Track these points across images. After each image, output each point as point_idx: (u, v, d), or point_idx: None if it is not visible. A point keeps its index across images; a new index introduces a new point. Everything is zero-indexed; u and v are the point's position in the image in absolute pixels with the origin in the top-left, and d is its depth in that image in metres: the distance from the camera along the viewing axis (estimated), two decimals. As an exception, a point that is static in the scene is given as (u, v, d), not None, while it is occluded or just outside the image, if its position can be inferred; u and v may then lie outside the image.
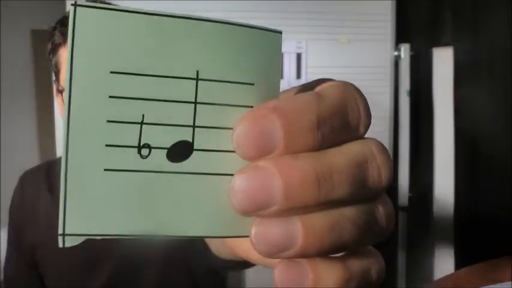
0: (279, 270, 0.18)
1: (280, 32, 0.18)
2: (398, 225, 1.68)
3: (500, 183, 1.50)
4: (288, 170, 0.16)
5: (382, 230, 0.19)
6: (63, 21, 0.74)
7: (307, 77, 1.53)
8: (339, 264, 0.18)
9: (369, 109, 0.20)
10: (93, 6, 0.16)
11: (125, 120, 0.17)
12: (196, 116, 0.17)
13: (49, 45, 0.76)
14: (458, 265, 1.64)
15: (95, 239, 0.17)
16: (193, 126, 0.17)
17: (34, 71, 1.80)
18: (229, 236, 0.18)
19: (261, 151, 0.16)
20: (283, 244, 0.17)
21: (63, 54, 0.73)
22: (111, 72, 0.16)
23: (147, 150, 0.17)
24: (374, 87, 1.60)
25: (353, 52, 1.56)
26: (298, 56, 1.53)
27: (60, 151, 1.40)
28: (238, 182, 0.16)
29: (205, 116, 0.17)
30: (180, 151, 0.17)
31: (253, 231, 0.17)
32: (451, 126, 1.64)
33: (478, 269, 0.96)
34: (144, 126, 0.17)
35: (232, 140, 0.17)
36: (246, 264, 0.41)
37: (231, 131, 0.17)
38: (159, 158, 0.17)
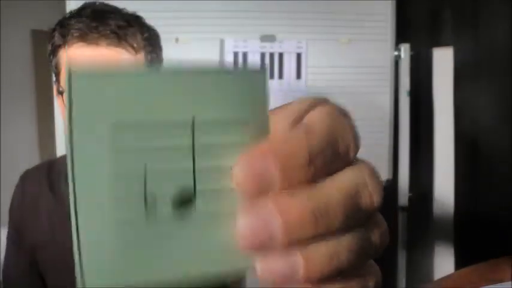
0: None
1: (265, 70, 0.20)
2: (398, 225, 1.68)
3: (500, 183, 1.49)
4: (286, 208, 0.18)
5: (376, 249, 0.20)
6: (62, 23, 0.73)
7: (307, 77, 1.53)
8: (340, 284, 0.20)
9: (357, 134, 0.21)
10: (88, 70, 0.17)
11: (130, 174, 0.17)
12: (196, 159, 0.18)
13: (49, 47, 0.76)
14: (458, 265, 1.64)
15: None
16: (194, 170, 0.18)
17: (34, 71, 1.80)
18: (236, 271, 0.19)
19: (259, 190, 0.18)
20: (286, 276, 0.18)
21: (63, 55, 0.73)
22: (112, 127, 0.17)
23: (153, 200, 0.18)
24: (374, 87, 1.60)
25: (353, 52, 1.56)
26: (298, 56, 1.53)
27: (60, 151, 1.40)
28: (243, 222, 0.18)
29: (204, 158, 0.18)
30: (183, 200, 0.18)
31: (259, 266, 0.19)
32: (451, 126, 1.64)
33: (478, 269, 0.96)
34: (148, 177, 0.18)
35: (233, 181, 0.18)
36: None
37: (229, 169, 0.18)
38: (165, 206, 0.18)
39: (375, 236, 0.20)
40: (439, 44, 1.70)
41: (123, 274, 0.17)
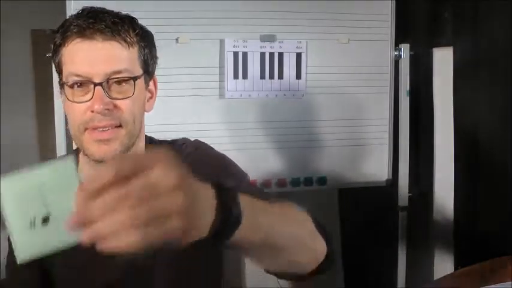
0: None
1: (72, 161, 0.42)
2: (399, 225, 1.68)
3: (500, 183, 1.49)
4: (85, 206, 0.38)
5: (166, 194, 0.37)
6: (63, 24, 0.78)
7: (307, 77, 1.53)
8: (137, 230, 0.36)
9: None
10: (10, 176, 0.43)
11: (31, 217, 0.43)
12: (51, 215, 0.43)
13: (52, 47, 0.79)
14: (458, 265, 1.64)
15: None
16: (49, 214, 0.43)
17: (34, 71, 1.80)
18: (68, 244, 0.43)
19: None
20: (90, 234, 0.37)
21: (64, 52, 0.77)
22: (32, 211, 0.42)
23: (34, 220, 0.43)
24: (374, 87, 1.60)
25: (353, 52, 1.56)
26: (298, 56, 1.53)
27: (60, 151, 1.40)
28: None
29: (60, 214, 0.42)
30: (46, 219, 0.42)
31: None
32: (451, 126, 1.64)
33: (478, 269, 0.96)
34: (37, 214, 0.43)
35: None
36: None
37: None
38: (38, 223, 0.43)
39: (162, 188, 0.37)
40: (439, 44, 1.70)
41: (33, 248, 0.42)
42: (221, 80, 1.47)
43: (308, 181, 1.58)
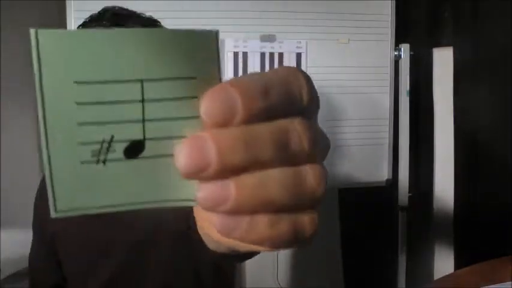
0: (219, 218, 0.21)
1: (216, 31, 0.22)
2: (398, 225, 1.68)
3: (500, 183, 1.50)
4: (220, 136, 0.20)
5: (312, 190, 0.22)
6: (83, 26, 0.77)
7: (307, 77, 1.53)
8: (273, 215, 0.21)
9: (312, 85, 0.23)
10: (52, 30, 0.20)
11: (90, 122, 0.21)
12: (145, 112, 0.21)
13: None
14: (458, 265, 1.64)
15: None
16: (143, 121, 0.21)
17: (34, 71, 1.80)
18: (181, 201, 0.23)
19: (224, 117, 0.20)
20: (220, 198, 0.20)
21: None
22: (75, 82, 0.20)
23: (110, 145, 0.21)
24: (374, 87, 1.60)
25: (353, 52, 1.56)
26: (298, 56, 1.53)
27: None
28: (181, 148, 0.20)
29: (153, 111, 0.21)
30: (133, 150, 0.22)
31: (196, 189, 0.21)
32: (451, 126, 1.64)
33: (478, 269, 0.96)
34: (106, 125, 0.21)
35: (201, 111, 0.20)
36: (243, 256, 0.47)
37: (179, 120, 0.22)
38: (118, 152, 0.22)
39: (310, 178, 0.22)
40: (439, 44, 1.70)
41: (85, 202, 0.22)
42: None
43: (308, 181, 1.57)
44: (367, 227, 1.77)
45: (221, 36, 1.30)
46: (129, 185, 0.22)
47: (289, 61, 1.52)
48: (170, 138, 0.22)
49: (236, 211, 0.20)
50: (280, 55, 1.51)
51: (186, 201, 0.23)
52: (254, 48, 1.49)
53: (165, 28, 0.22)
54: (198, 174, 0.20)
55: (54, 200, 0.21)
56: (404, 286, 1.68)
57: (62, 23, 1.33)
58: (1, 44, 1.71)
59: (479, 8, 1.53)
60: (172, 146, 0.22)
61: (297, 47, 1.52)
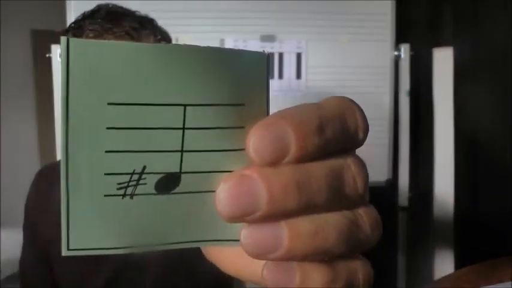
0: (268, 268, 0.19)
1: (267, 54, 0.19)
2: (398, 225, 1.68)
3: (500, 183, 1.49)
4: (271, 177, 0.17)
5: (367, 237, 0.20)
6: (76, 24, 0.74)
7: (307, 77, 1.53)
8: (325, 266, 0.19)
9: (366, 118, 0.21)
10: (85, 40, 0.17)
11: (121, 149, 0.18)
12: (185, 141, 0.18)
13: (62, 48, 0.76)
14: (458, 265, 1.64)
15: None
16: (182, 151, 0.18)
17: (34, 71, 1.80)
18: (221, 241, 0.20)
19: (277, 154, 0.18)
20: (270, 246, 0.18)
21: None
22: (108, 103, 0.17)
23: (140, 177, 0.18)
24: (374, 87, 1.60)
25: (353, 52, 1.56)
26: (298, 56, 1.53)
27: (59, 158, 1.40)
28: (224, 189, 0.18)
29: (194, 140, 0.18)
30: (167, 184, 0.19)
31: (242, 233, 0.18)
32: (451, 126, 1.64)
33: (478, 269, 0.96)
34: (138, 154, 0.18)
35: (249, 147, 0.18)
36: None
37: (221, 152, 0.19)
38: (150, 185, 0.18)
39: (365, 223, 0.20)
40: (439, 44, 1.70)
41: (104, 240, 0.18)
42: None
43: (308, 181, 1.57)
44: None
45: (221, 36, 1.30)
46: (159, 222, 0.19)
47: (289, 61, 1.52)
48: (210, 172, 0.19)
49: (287, 259, 0.18)
50: (280, 55, 1.51)
51: (227, 241, 0.20)
52: (254, 48, 1.49)
53: (212, 47, 0.18)
54: (243, 218, 0.18)
55: (68, 236, 0.18)
56: (404, 286, 1.68)
57: (62, 23, 1.33)
58: (1, 44, 1.71)
59: (479, 8, 1.53)
60: (212, 181, 0.19)
61: (297, 47, 1.52)
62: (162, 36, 0.77)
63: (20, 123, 1.74)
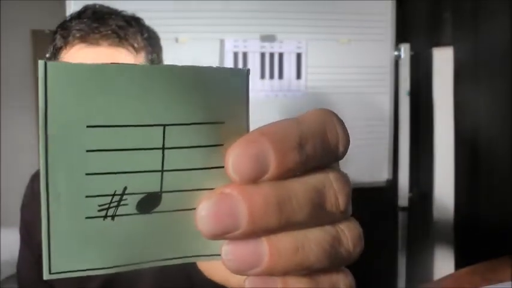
0: (250, 281, 0.19)
1: (245, 71, 0.19)
2: (398, 225, 1.68)
3: (500, 183, 1.49)
4: (251, 195, 0.17)
5: (348, 252, 0.20)
6: (63, 25, 0.74)
7: (307, 77, 1.53)
8: (307, 279, 0.19)
9: (347, 131, 0.21)
10: (63, 62, 0.17)
11: (101, 172, 0.18)
12: (165, 160, 0.18)
13: (50, 49, 0.76)
14: (458, 265, 1.64)
15: None
16: (162, 171, 0.18)
17: (34, 71, 1.80)
18: (203, 256, 0.20)
19: (256, 172, 0.18)
20: (251, 262, 0.18)
21: (65, 57, 0.73)
22: (87, 126, 0.17)
23: (121, 198, 0.18)
24: (374, 87, 1.60)
25: (353, 52, 1.56)
26: (298, 56, 1.53)
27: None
28: (205, 207, 0.18)
29: (174, 159, 0.18)
30: (148, 204, 0.19)
31: (224, 250, 0.18)
32: (451, 126, 1.64)
33: (478, 269, 0.96)
34: (118, 175, 0.18)
35: (228, 165, 0.18)
36: None
37: (201, 170, 0.19)
38: (131, 205, 0.18)
39: (346, 239, 0.20)
40: (439, 44, 1.70)
41: (86, 262, 0.18)
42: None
43: (308, 181, 1.58)
44: (367, 227, 1.77)
45: (221, 36, 1.30)
46: (141, 241, 0.19)
47: (289, 61, 1.52)
48: (191, 190, 0.19)
49: (268, 275, 0.18)
50: (280, 55, 1.51)
51: (210, 256, 0.20)
52: (254, 48, 1.49)
53: (190, 66, 0.18)
54: (224, 236, 0.18)
55: (49, 259, 0.18)
56: (404, 286, 1.68)
57: (62, 23, 1.33)
58: (1, 44, 1.71)
59: (479, 8, 1.53)
60: (193, 199, 0.19)
61: (297, 47, 1.52)
62: (149, 35, 0.77)
63: (20, 123, 1.74)
